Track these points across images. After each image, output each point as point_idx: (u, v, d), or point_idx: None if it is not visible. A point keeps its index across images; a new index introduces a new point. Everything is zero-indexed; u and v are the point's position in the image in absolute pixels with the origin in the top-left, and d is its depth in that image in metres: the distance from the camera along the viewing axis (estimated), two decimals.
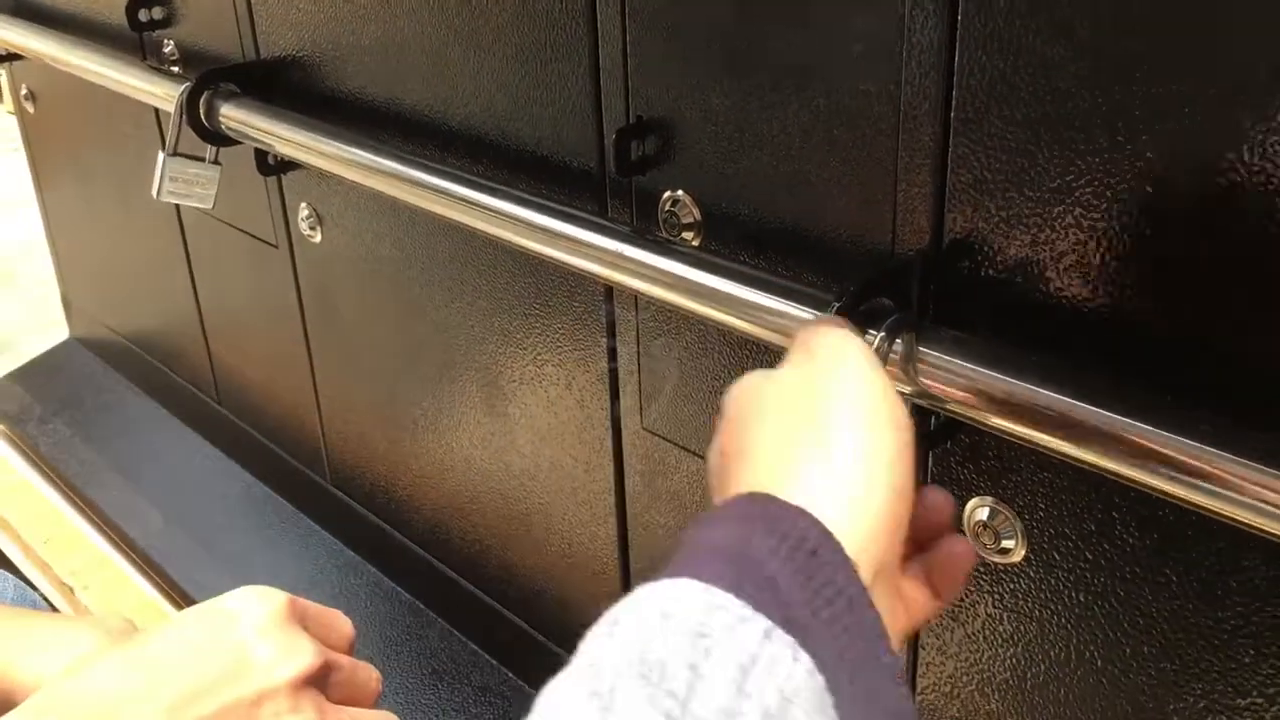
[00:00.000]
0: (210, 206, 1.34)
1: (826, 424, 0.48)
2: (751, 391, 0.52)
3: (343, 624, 0.69)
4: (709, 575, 0.40)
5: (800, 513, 0.43)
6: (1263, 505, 0.55)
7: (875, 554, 0.45)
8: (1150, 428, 0.58)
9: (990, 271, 0.69)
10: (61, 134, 1.87)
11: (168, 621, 0.65)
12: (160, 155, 1.30)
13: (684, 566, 0.41)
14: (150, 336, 1.87)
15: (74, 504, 1.76)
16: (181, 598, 1.53)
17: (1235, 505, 0.56)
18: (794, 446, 0.48)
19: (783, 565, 0.41)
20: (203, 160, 1.32)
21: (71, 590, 1.63)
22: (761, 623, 0.39)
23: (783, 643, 0.38)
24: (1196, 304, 0.60)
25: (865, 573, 0.43)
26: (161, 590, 1.57)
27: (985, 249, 0.68)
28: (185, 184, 1.32)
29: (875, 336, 0.67)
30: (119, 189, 1.74)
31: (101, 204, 1.82)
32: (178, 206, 1.58)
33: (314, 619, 0.67)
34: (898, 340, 0.67)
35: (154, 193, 1.33)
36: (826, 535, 0.43)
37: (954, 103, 0.67)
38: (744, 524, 0.43)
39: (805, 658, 0.38)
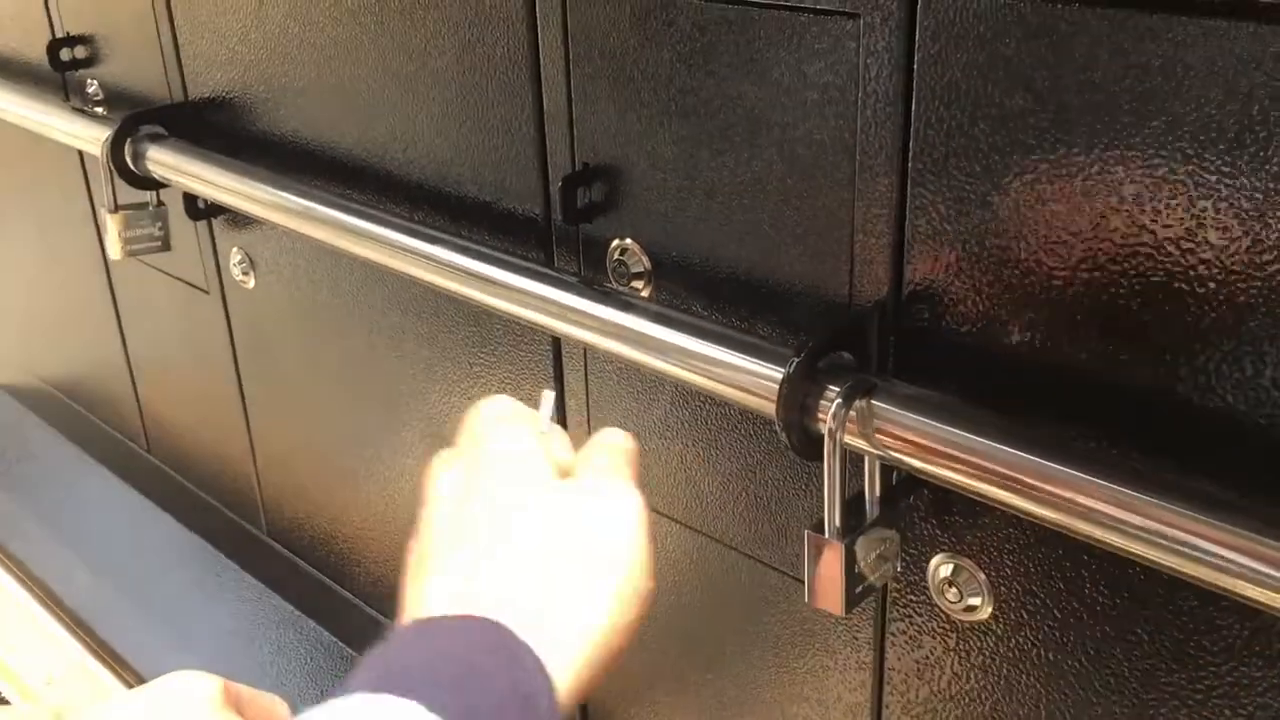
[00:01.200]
0: (170, 249, 1.29)
1: (586, 563, 0.48)
2: (452, 469, 0.53)
3: (279, 708, 0.66)
4: (406, 690, 0.41)
5: (538, 667, 0.44)
6: (1231, 566, 0.53)
7: (583, 674, 0.46)
8: (1112, 485, 0.57)
9: (950, 322, 0.67)
10: None
11: (101, 712, 0.62)
12: (105, 215, 1.26)
13: (413, 684, 0.41)
14: (76, 383, 1.81)
15: None
16: (111, 657, 1.47)
17: (1203, 566, 0.54)
18: (540, 575, 0.47)
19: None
20: (147, 206, 1.27)
21: None
22: None
23: None
24: (1156, 357, 0.59)
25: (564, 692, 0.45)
26: (91, 650, 1.50)
27: (945, 300, 0.67)
28: (137, 235, 1.28)
29: (835, 393, 0.65)
30: (41, 232, 1.68)
31: (23, 247, 1.76)
32: (103, 251, 1.52)
33: (249, 703, 0.64)
34: (856, 398, 0.65)
35: (112, 255, 1.28)
36: (550, 692, 0.43)
37: (911, 153, 0.65)
38: (479, 655, 0.43)
39: None
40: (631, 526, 0.51)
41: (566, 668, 0.45)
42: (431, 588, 0.47)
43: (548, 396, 0.57)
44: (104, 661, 1.47)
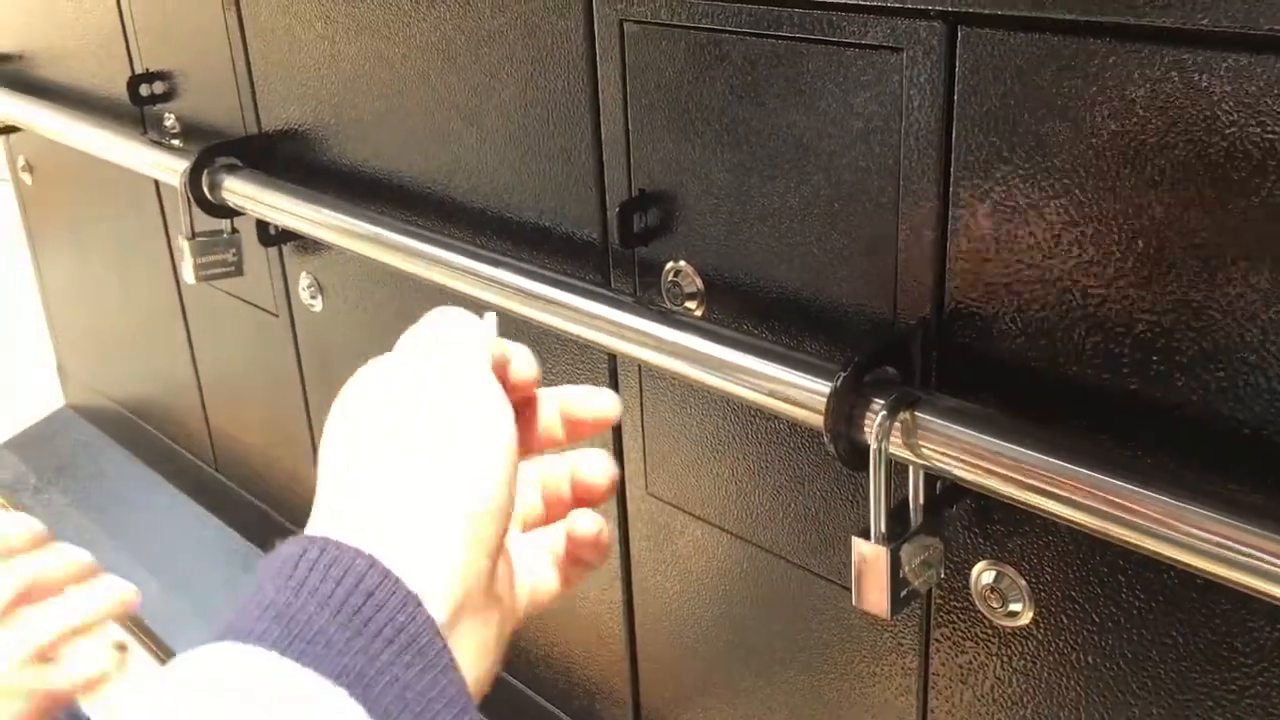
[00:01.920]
0: (243, 274, 1.36)
1: (407, 434, 0.44)
2: (356, 382, 0.48)
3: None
4: (254, 635, 0.38)
5: (357, 554, 0.40)
6: (1266, 568, 0.56)
7: (455, 583, 0.42)
8: (1147, 491, 0.60)
9: (990, 338, 0.70)
10: (59, 204, 1.88)
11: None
12: (183, 243, 1.32)
13: (230, 626, 0.39)
14: (147, 404, 1.88)
15: None
16: None
17: (1238, 569, 0.57)
18: (367, 461, 0.44)
19: (334, 615, 0.39)
20: (222, 234, 1.33)
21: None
22: (309, 678, 0.37)
23: (330, 695, 0.37)
24: (1187, 370, 0.62)
25: (440, 605, 0.41)
26: (160, 661, 1.56)
27: (985, 317, 0.70)
28: (211, 262, 1.34)
29: (880, 405, 0.69)
30: (117, 258, 1.76)
31: (98, 273, 1.83)
32: (176, 276, 1.59)
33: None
34: (901, 411, 0.69)
35: (188, 279, 1.35)
36: (386, 575, 0.40)
37: (952, 178, 0.69)
38: (299, 571, 0.40)
39: (357, 709, 0.37)
40: (487, 439, 0.45)
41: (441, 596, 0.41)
42: (318, 508, 0.44)
43: (489, 318, 0.52)
44: None
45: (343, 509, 0.42)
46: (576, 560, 0.51)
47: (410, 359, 0.48)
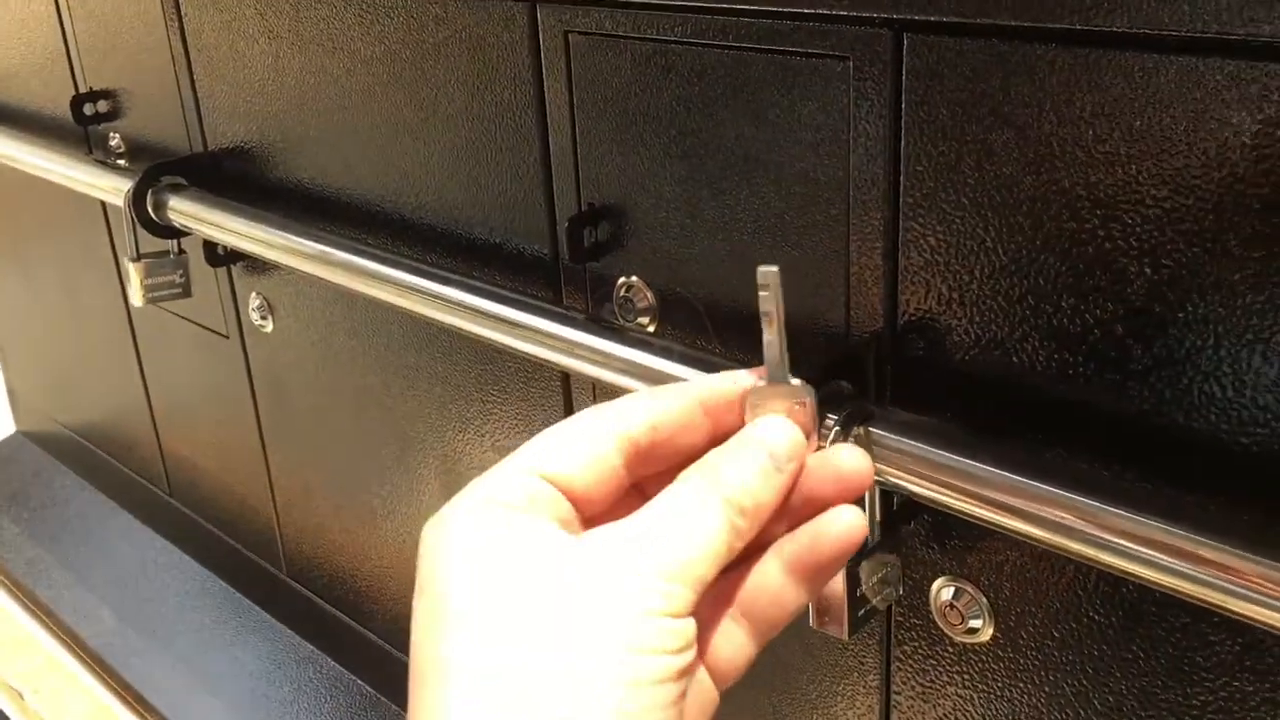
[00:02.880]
0: (190, 295, 1.33)
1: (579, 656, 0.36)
2: (493, 556, 0.39)
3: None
4: None
5: None
6: (1222, 582, 0.55)
7: None
8: (1106, 506, 0.59)
9: (945, 351, 0.69)
10: (3, 227, 1.84)
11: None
12: (127, 264, 1.29)
13: None
14: (99, 429, 1.84)
15: (21, 604, 1.71)
16: (135, 699, 1.49)
17: (1195, 583, 0.56)
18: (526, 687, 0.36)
19: None
20: (169, 254, 1.31)
21: (20, 695, 1.58)
22: None
23: None
24: (1142, 380, 0.61)
25: None
26: (114, 691, 1.52)
27: (939, 329, 0.69)
28: (159, 283, 1.32)
29: (834, 421, 0.67)
30: (64, 281, 1.72)
31: (47, 296, 1.80)
32: (124, 298, 1.56)
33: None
34: (855, 426, 0.67)
35: (135, 302, 1.32)
36: None
37: (902, 188, 0.68)
38: None
39: None
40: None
41: None
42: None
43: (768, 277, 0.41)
44: (126, 703, 1.49)
45: None
46: (830, 562, 0.42)
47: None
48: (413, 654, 0.40)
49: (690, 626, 0.39)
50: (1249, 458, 0.58)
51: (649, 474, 0.44)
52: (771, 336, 0.44)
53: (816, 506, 0.42)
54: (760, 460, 0.42)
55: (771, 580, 0.42)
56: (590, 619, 0.37)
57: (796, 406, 0.43)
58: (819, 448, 0.44)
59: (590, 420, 0.43)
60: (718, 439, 0.44)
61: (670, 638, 0.38)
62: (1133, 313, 0.60)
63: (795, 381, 0.43)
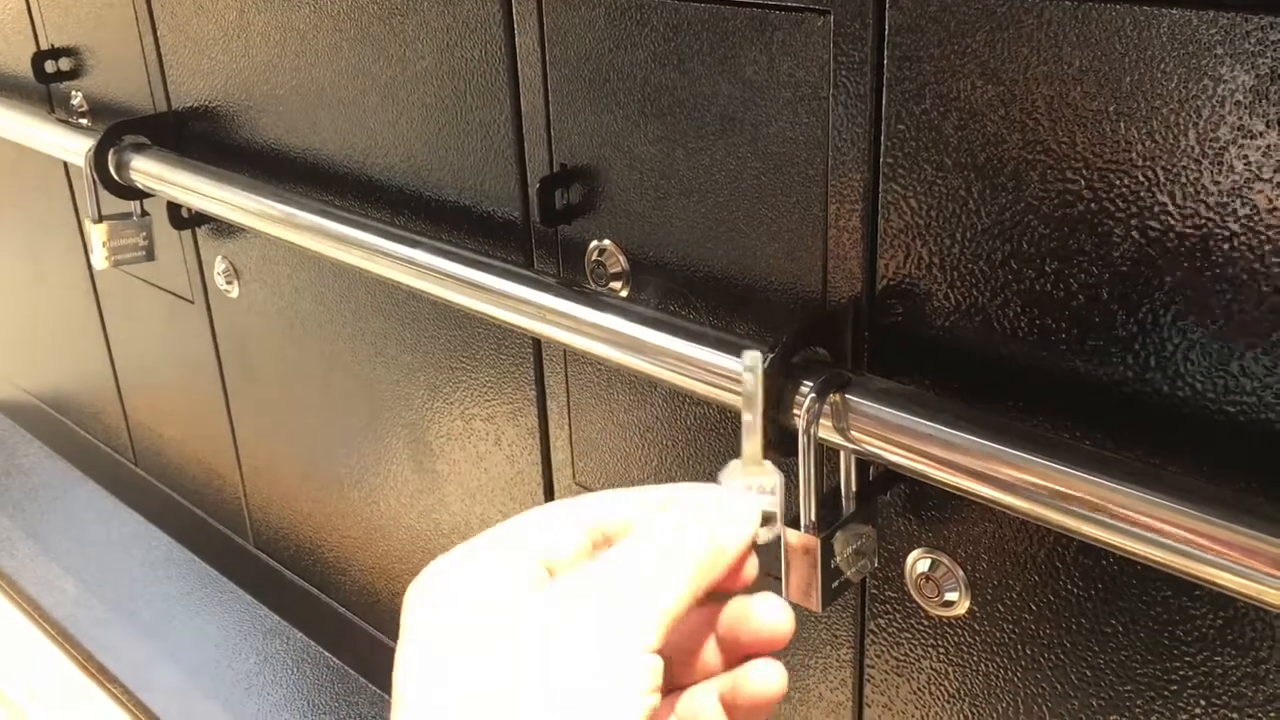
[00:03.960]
0: (154, 259, 1.30)
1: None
2: (458, 613, 0.40)
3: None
4: None
5: None
6: (1202, 553, 0.53)
7: None
8: (1085, 475, 0.57)
9: (924, 317, 0.67)
10: None
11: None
12: (89, 225, 1.26)
13: None
14: (64, 396, 1.81)
15: None
16: (97, 669, 1.46)
17: (1174, 554, 0.54)
18: None
19: None
20: (131, 216, 1.27)
21: None
22: None
23: None
24: (1126, 347, 0.59)
25: None
26: (76, 662, 1.49)
27: (918, 294, 0.67)
28: (122, 245, 1.28)
29: (809, 388, 0.65)
30: (27, 245, 1.68)
31: (8, 260, 1.76)
32: (88, 262, 1.52)
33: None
34: (831, 393, 0.66)
35: (98, 265, 1.29)
36: None
37: (882, 148, 0.65)
38: None
39: None
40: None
41: None
42: None
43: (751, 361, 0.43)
44: (89, 674, 1.46)
45: None
46: (751, 706, 0.43)
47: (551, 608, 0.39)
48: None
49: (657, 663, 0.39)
50: (1232, 427, 0.57)
51: None
52: (751, 418, 0.45)
53: (743, 653, 0.43)
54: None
55: (708, 708, 0.43)
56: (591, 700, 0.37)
57: (764, 494, 0.44)
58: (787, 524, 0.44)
59: (563, 511, 0.44)
60: None
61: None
62: (1118, 278, 0.58)
63: (767, 465, 0.44)
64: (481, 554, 0.42)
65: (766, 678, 0.41)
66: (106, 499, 1.73)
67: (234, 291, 1.28)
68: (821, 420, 0.66)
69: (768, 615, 0.41)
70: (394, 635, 1.26)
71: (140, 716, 1.38)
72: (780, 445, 0.68)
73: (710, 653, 0.43)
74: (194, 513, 1.57)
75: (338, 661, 1.37)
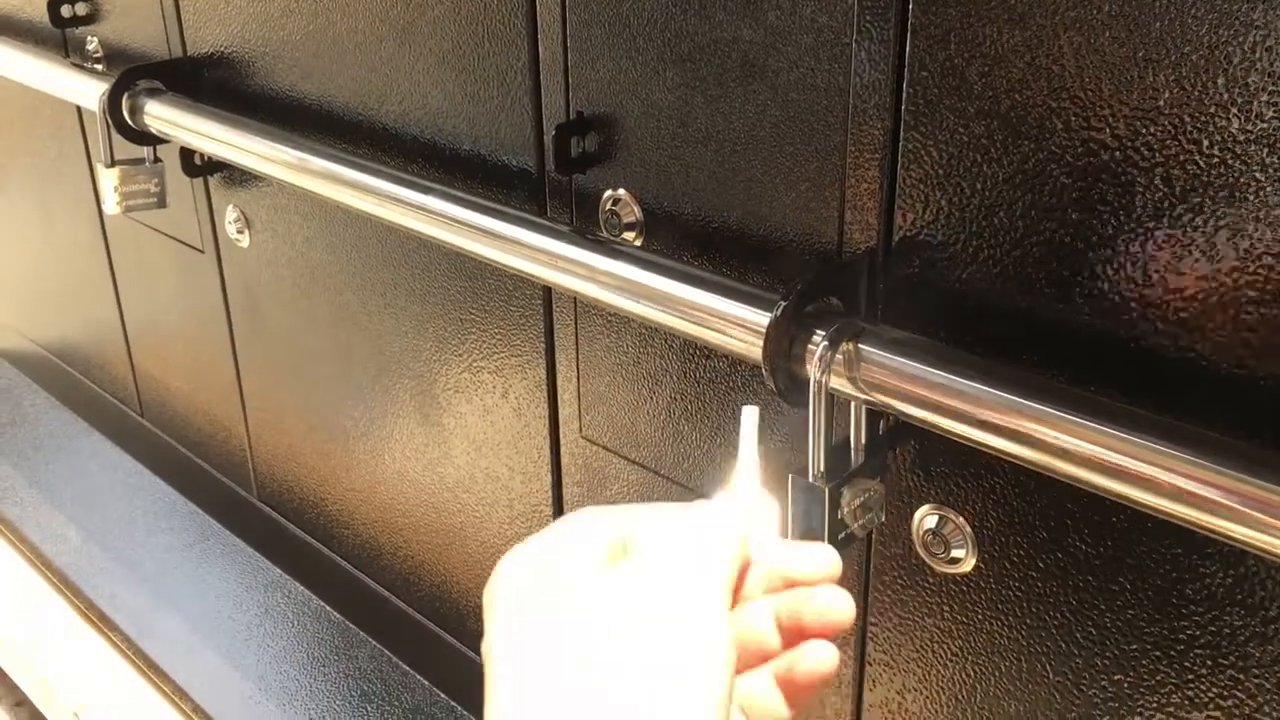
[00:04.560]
0: (165, 206, 1.29)
1: (614, 672, 0.40)
2: (574, 577, 0.43)
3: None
4: None
5: None
6: (1215, 505, 0.53)
7: None
8: (1097, 425, 0.56)
9: (940, 269, 0.67)
10: None
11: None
12: (101, 170, 1.25)
13: None
14: (71, 347, 1.80)
15: None
16: (99, 618, 1.46)
17: (1192, 507, 0.54)
18: (566, 695, 0.40)
19: None
20: (144, 162, 1.27)
21: None
22: None
23: None
24: (1147, 302, 0.58)
25: None
26: (78, 610, 1.50)
27: (936, 245, 0.66)
28: (133, 191, 1.28)
29: (821, 337, 0.65)
30: (38, 194, 1.68)
31: (20, 210, 1.75)
32: (99, 210, 1.52)
33: None
34: (843, 342, 0.65)
35: (108, 210, 1.28)
36: None
37: (904, 96, 0.65)
38: None
39: None
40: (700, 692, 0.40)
41: None
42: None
43: (749, 415, 0.48)
44: (90, 622, 1.46)
45: None
46: (805, 686, 0.46)
47: (636, 573, 0.43)
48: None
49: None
50: (1251, 382, 0.56)
51: None
52: (748, 462, 0.48)
53: (803, 634, 0.46)
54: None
55: (764, 689, 0.46)
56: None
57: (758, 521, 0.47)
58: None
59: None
60: None
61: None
62: (1141, 229, 0.58)
63: (765, 496, 0.48)
64: (558, 542, 0.45)
65: (822, 657, 0.45)
66: (111, 450, 1.73)
67: (245, 241, 1.27)
68: (833, 369, 0.65)
69: (832, 601, 0.45)
70: (397, 590, 1.26)
71: (140, 665, 1.38)
72: (790, 395, 0.67)
73: (770, 638, 0.45)
74: (198, 464, 1.57)
75: (339, 615, 1.37)
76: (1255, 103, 0.52)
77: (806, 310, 0.67)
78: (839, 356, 0.65)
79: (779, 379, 0.67)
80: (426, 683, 1.26)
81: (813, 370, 0.65)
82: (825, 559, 0.46)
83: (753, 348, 0.68)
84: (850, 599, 0.46)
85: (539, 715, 0.40)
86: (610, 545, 0.44)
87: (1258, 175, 0.53)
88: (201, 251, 1.35)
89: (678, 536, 0.44)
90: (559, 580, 0.43)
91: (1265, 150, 0.53)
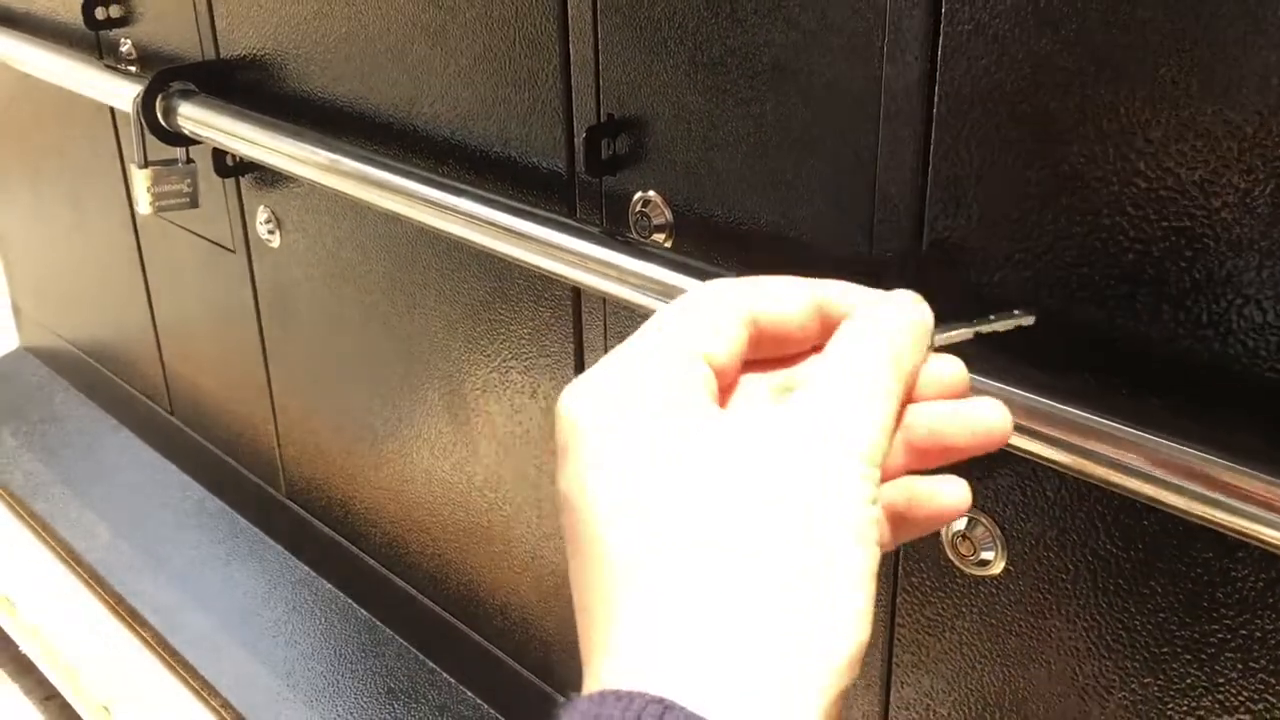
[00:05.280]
0: (198, 206, 1.30)
1: (750, 542, 0.33)
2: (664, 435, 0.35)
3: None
4: None
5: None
6: (1252, 509, 0.53)
7: None
8: (1130, 429, 0.56)
9: (972, 273, 0.67)
10: (10, 137, 1.82)
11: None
12: (134, 170, 1.27)
13: None
14: (102, 345, 1.82)
15: (19, 517, 1.71)
16: (129, 614, 1.48)
17: (1223, 510, 0.54)
18: (692, 580, 0.32)
19: None
20: (176, 162, 1.28)
21: (14, 605, 1.57)
22: None
23: None
24: (1177, 304, 0.58)
25: None
26: (108, 605, 1.51)
27: (967, 249, 0.66)
28: (166, 192, 1.29)
29: None
30: (71, 193, 1.70)
31: (53, 209, 1.77)
32: (131, 211, 1.54)
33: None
34: None
35: (141, 210, 1.30)
36: None
37: (936, 97, 0.65)
38: None
39: None
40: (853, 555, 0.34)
41: None
42: (615, 634, 0.33)
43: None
44: (120, 617, 1.48)
45: (659, 649, 0.31)
46: (927, 519, 0.40)
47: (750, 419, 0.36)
48: (582, 539, 0.35)
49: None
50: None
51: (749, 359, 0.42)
52: None
53: (942, 458, 0.40)
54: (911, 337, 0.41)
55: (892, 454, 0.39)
56: (813, 509, 0.34)
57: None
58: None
59: (729, 300, 0.41)
60: (816, 349, 0.42)
61: (878, 528, 0.36)
62: (1173, 231, 0.58)
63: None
64: (649, 362, 0.38)
65: (956, 492, 0.40)
66: (141, 448, 1.75)
67: (275, 241, 1.28)
68: None
69: (986, 412, 0.40)
70: (424, 589, 1.26)
71: (169, 660, 1.40)
72: None
73: (894, 454, 0.39)
74: (227, 463, 1.58)
75: (366, 613, 1.38)
76: None
77: None
78: None
79: None
80: (453, 680, 1.27)
81: None
82: (999, 415, 0.40)
83: None
84: (1006, 411, 0.39)
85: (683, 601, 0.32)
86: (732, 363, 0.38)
87: None
88: (233, 251, 1.36)
89: (833, 365, 0.37)
90: (670, 421, 0.35)
91: None
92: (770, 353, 0.42)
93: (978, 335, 0.50)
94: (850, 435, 0.36)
